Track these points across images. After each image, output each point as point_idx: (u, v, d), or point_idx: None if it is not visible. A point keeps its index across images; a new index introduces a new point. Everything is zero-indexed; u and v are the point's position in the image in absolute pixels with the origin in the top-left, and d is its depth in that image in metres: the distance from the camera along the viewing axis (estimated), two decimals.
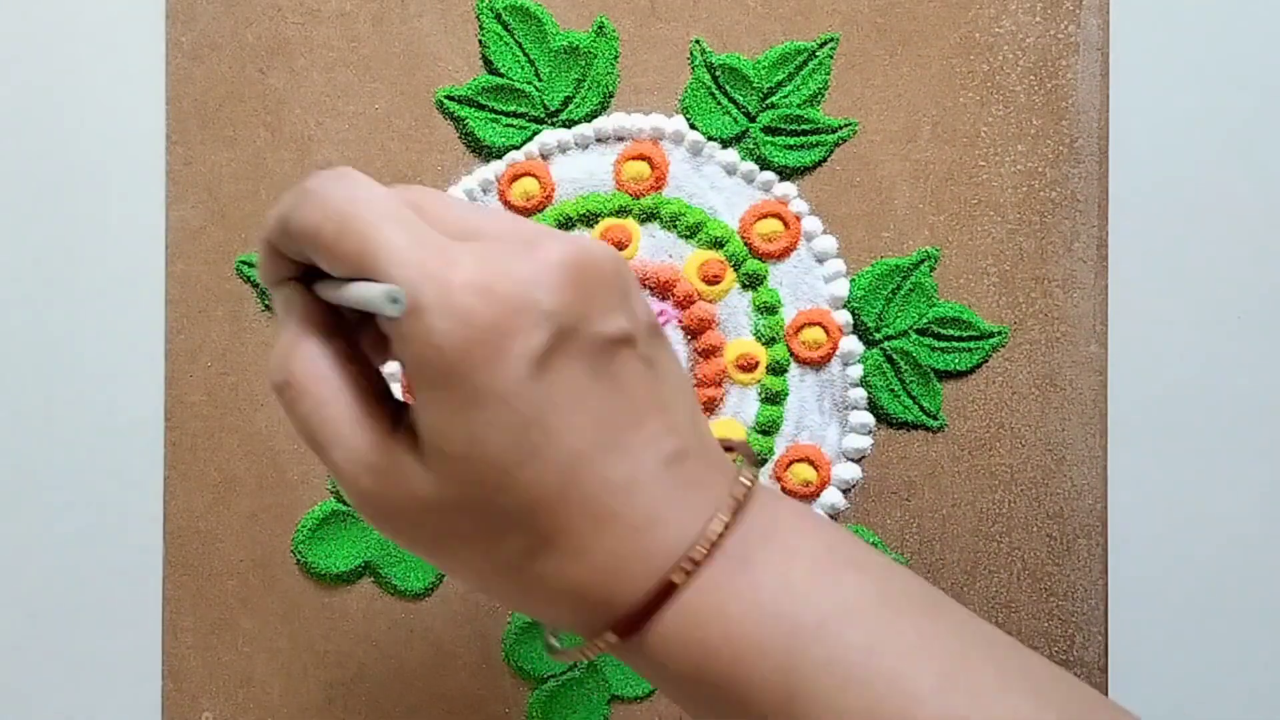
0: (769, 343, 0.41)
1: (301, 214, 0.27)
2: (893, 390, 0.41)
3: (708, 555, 0.26)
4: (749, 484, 0.27)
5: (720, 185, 0.42)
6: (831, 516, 0.41)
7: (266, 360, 0.41)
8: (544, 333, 0.25)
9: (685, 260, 0.41)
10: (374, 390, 0.28)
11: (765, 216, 0.41)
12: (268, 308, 0.42)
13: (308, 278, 0.28)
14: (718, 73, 0.41)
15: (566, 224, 0.41)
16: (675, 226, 0.41)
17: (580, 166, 0.42)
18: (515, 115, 0.42)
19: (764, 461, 0.41)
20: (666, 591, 0.26)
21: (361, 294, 0.26)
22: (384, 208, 0.26)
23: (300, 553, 0.41)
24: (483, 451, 0.25)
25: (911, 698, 0.25)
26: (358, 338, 0.29)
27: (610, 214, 0.41)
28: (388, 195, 0.27)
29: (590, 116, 0.42)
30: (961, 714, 0.25)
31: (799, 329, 0.41)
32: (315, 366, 0.27)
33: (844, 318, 0.41)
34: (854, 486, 0.41)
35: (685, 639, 0.26)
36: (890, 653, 0.25)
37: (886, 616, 0.26)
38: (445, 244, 0.26)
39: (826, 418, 0.41)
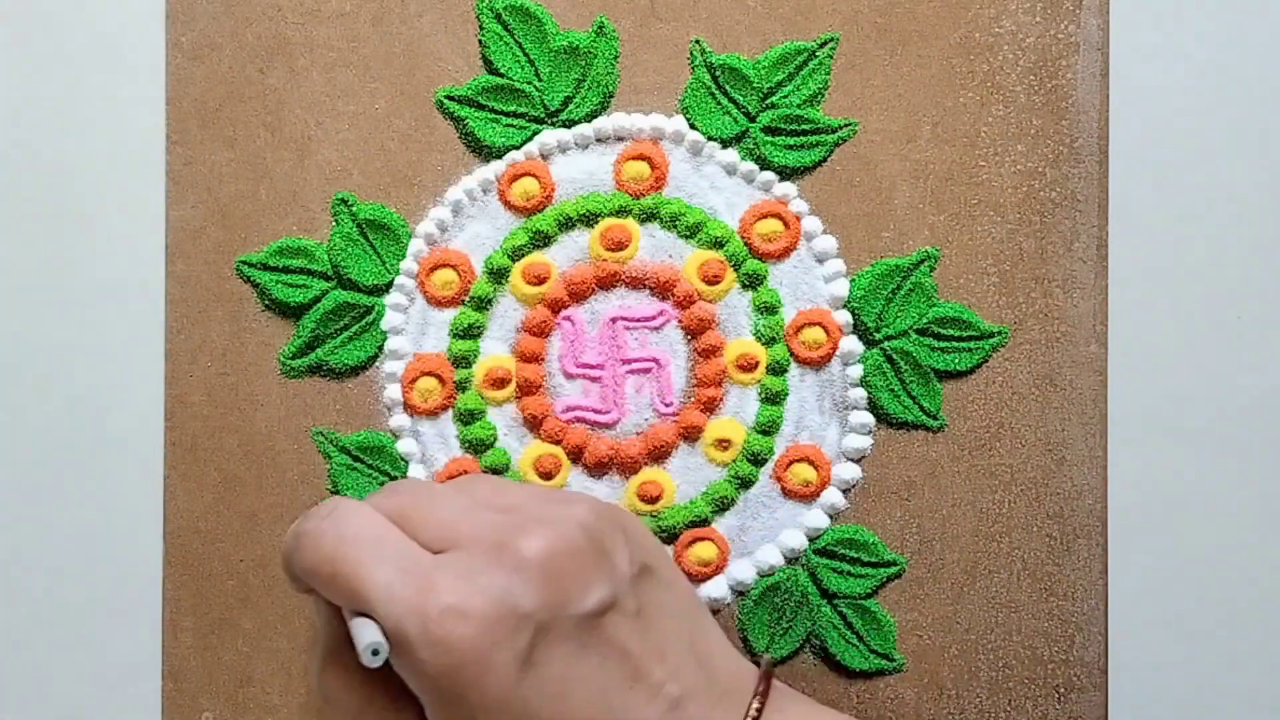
0: (769, 343, 0.41)
1: (300, 559, 0.30)
2: (893, 390, 0.41)
3: None
4: (756, 712, 0.29)
5: (720, 185, 0.42)
6: (831, 517, 0.41)
7: (266, 360, 0.41)
8: (525, 634, 0.27)
9: (685, 260, 0.41)
10: (396, 698, 0.30)
11: (765, 216, 0.41)
12: (268, 308, 0.42)
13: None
14: (718, 73, 0.41)
15: (566, 224, 0.41)
16: (675, 226, 0.41)
17: (580, 166, 0.42)
18: (515, 115, 0.42)
19: (764, 461, 0.41)
20: None
21: (355, 636, 0.28)
22: (368, 545, 0.28)
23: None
24: None
25: None
26: None
27: (610, 214, 0.42)
28: (372, 524, 0.29)
29: (590, 116, 0.42)
30: None
31: (799, 329, 0.41)
32: (347, 682, 0.30)
33: (844, 318, 0.41)
34: (854, 486, 0.41)
35: None
36: None
37: None
38: (425, 568, 0.28)
39: (826, 418, 0.41)
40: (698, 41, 0.41)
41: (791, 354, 0.41)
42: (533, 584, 0.27)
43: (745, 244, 0.41)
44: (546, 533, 0.28)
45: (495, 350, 0.42)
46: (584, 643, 0.28)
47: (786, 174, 0.42)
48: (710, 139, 0.41)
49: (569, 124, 0.42)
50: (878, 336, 0.41)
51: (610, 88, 0.41)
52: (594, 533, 0.29)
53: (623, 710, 0.28)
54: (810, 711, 0.30)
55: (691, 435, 0.41)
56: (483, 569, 0.28)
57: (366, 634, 0.28)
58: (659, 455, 0.41)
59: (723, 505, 0.41)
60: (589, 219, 0.42)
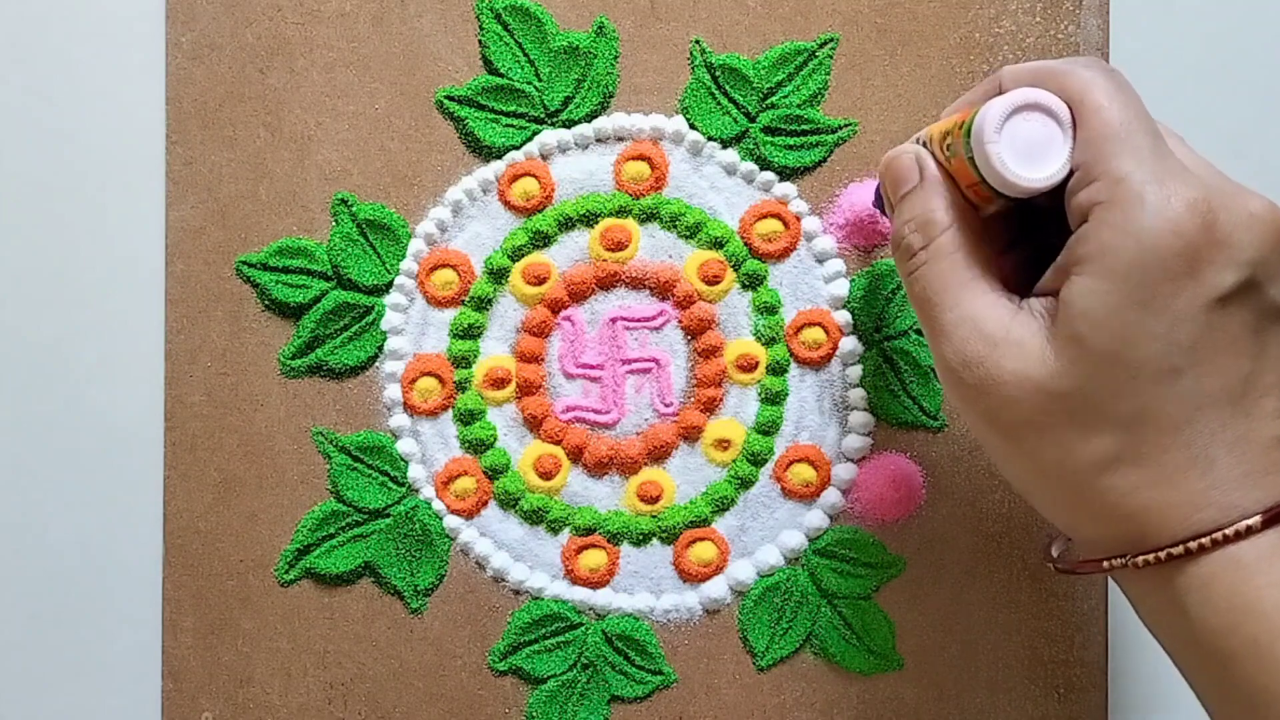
0: (769, 343, 0.41)
1: (1064, 78, 0.29)
2: (893, 390, 0.41)
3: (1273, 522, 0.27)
4: None
5: (720, 185, 0.42)
6: (831, 517, 0.41)
7: (266, 360, 0.41)
8: (1236, 275, 0.27)
9: (685, 260, 0.41)
10: (997, 269, 0.30)
11: (765, 216, 0.41)
12: (268, 308, 0.42)
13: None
14: (718, 73, 0.41)
15: (566, 224, 0.41)
16: (675, 226, 0.41)
17: (580, 166, 0.42)
18: (515, 115, 0.42)
19: (764, 461, 0.41)
20: (1233, 537, 0.27)
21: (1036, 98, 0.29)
22: (1140, 111, 0.28)
23: (290, 567, 0.41)
24: (1129, 354, 0.27)
25: None
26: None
27: (610, 214, 0.42)
28: (1143, 106, 0.29)
29: (590, 116, 0.42)
30: None
31: (799, 329, 0.41)
32: (960, 237, 0.30)
33: (844, 318, 0.41)
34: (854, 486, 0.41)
35: (1228, 589, 0.27)
36: None
37: None
38: (1181, 165, 0.27)
39: (826, 418, 0.41)
40: (698, 41, 0.41)
41: (791, 354, 0.41)
42: (1264, 240, 0.27)
43: (745, 244, 0.41)
44: None
45: (495, 350, 0.42)
46: (1259, 330, 0.27)
47: (786, 174, 0.41)
48: (710, 139, 0.41)
49: (569, 124, 0.42)
50: (877, 337, 0.41)
51: (610, 88, 0.41)
52: None
53: (1248, 406, 0.27)
54: None
55: (691, 435, 0.41)
56: (1232, 196, 0.27)
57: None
58: (659, 455, 0.41)
59: (723, 505, 0.41)
60: (589, 219, 0.42)
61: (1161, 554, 0.27)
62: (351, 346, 0.41)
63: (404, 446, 0.41)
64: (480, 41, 0.41)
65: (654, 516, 0.41)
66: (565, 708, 0.41)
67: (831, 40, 0.41)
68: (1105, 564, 0.29)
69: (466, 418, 0.41)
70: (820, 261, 0.41)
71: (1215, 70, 0.42)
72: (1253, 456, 0.27)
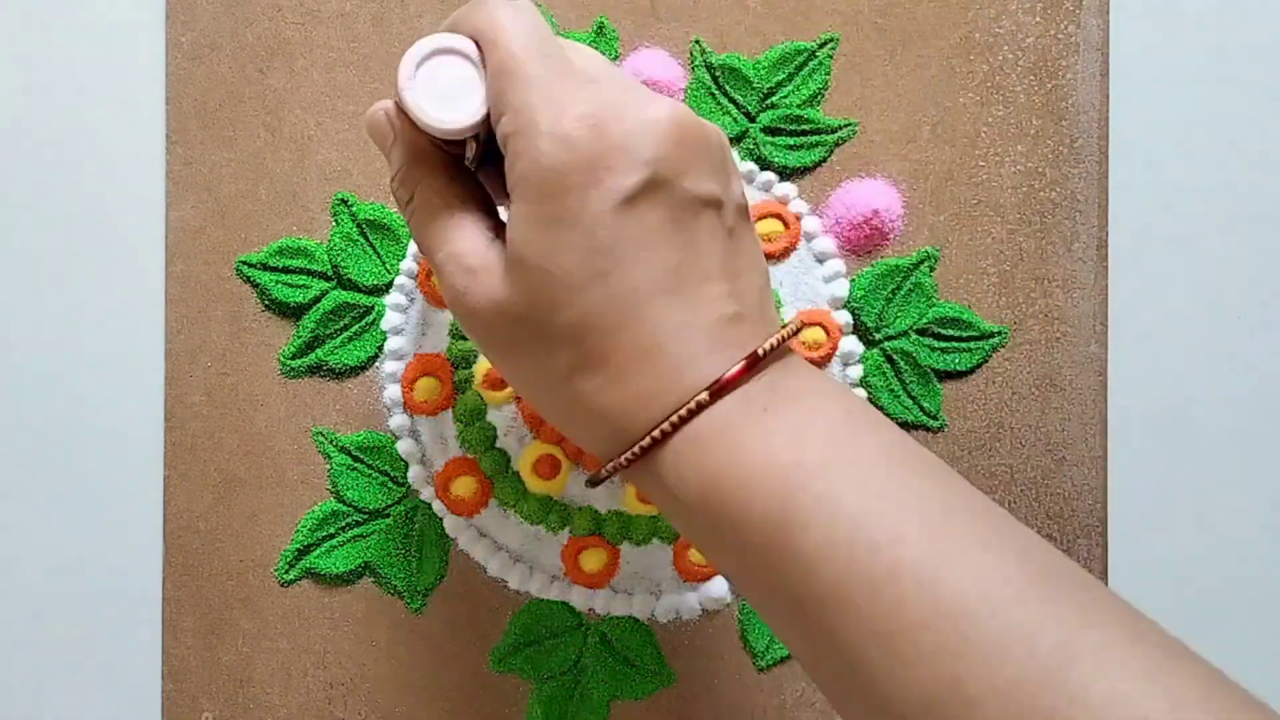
0: None
1: (469, 19, 0.30)
2: (893, 390, 0.41)
3: (729, 389, 0.28)
4: (782, 339, 0.29)
5: None
6: None
7: (266, 360, 0.41)
8: (638, 176, 0.28)
9: None
10: (479, 206, 0.31)
11: (765, 216, 0.41)
12: (268, 308, 0.42)
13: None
14: (718, 73, 0.41)
15: None
16: None
17: None
18: None
19: None
20: (687, 417, 0.28)
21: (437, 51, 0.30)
22: (537, 36, 0.29)
23: (289, 568, 0.41)
24: (554, 266, 0.28)
25: (896, 538, 0.26)
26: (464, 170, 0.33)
27: None
28: (545, 26, 0.30)
29: None
30: (940, 559, 0.25)
31: (799, 329, 0.41)
32: (433, 181, 0.31)
33: (844, 318, 0.41)
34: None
35: (695, 464, 0.28)
36: (883, 496, 0.27)
37: (887, 469, 0.27)
38: (577, 81, 0.29)
39: None
40: (698, 41, 0.41)
41: None
42: (665, 139, 0.28)
43: None
44: (688, 112, 0.29)
45: None
46: (680, 220, 0.29)
47: (786, 174, 0.41)
48: None
49: None
50: (878, 337, 0.41)
51: None
52: (725, 146, 0.30)
53: (685, 295, 0.28)
54: (834, 383, 0.31)
55: None
56: (627, 104, 0.28)
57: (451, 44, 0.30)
58: None
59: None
60: None
61: (635, 449, 0.29)
62: (351, 346, 0.41)
63: (404, 446, 0.41)
64: None
65: (654, 516, 0.41)
66: (565, 708, 0.41)
67: (831, 40, 0.41)
68: (603, 470, 0.30)
69: (467, 418, 0.41)
70: (820, 261, 0.41)
71: (1215, 70, 0.42)
72: (699, 339, 0.28)
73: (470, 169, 0.32)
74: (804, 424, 0.28)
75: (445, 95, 0.30)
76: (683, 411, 0.28)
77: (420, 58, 0.30)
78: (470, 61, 0.30)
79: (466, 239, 0.30)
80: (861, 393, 0.41)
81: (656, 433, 0.28)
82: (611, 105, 0.28)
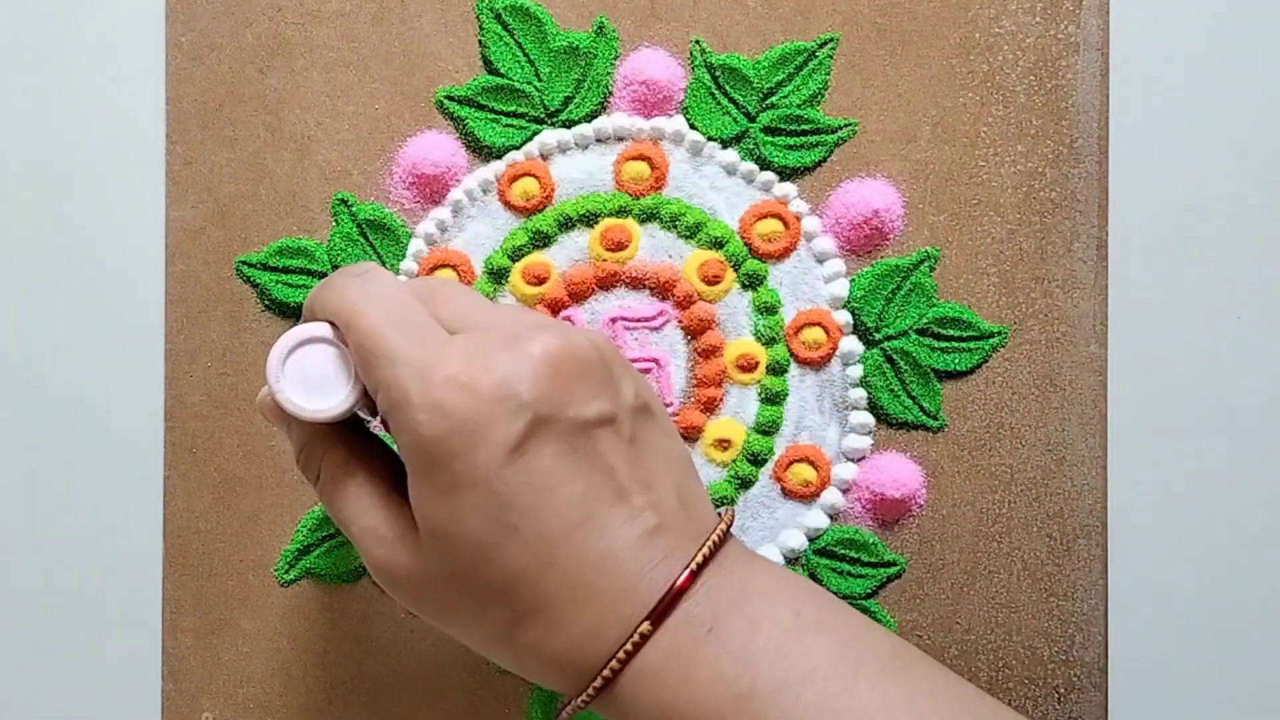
0: (769, 343, 0.41)
1: (322, 303, 0.31)
2: (893, 390, 0.41)
3: (669, 609, 0.28)
4: (715, 544, 0.29)
5: (720, 185, 0.42)
6: (831, 517, 0.41)
7: (266, 360, 0.41)
8: (520, 422, 0.27)
9: (685, 260, 0.41)
10: (386, 469, 0.31)
11: (765, 216, 0.41)
12: (268, 308, 0.42)
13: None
14: (718, 73, 0.41)
15: (567, 224, 0.41)
16: (675, 227, 0.41)
17: (580, 166, 0.42)
18: (515, 115, 0.42)
19: (764, 461, 0.41)
20: (633, 651, 0.28)
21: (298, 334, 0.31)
22: (390, 306, 0.29)
23: (289, 569, 0.41)
24: (462, 531, 0.28)
25: None
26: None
27: (610, 214, 0.41)
28: (398, 291, 0.30)
29: (590, 116, 0.42)
30: None
31: (799, 329, 0.41)
32: (334, 455, 0.31)
33: (844, 318, 0.41)
34: (854, 486, 0.41)
35: (653, 700, 0.28)
36: (843, 712, 0.26)
37: (844, 677, 0.27)
38: (438, 341, 0.28)
39: (826, 418, 0.41)
40: (698, 41, 0.41)
41: (791, 354, 0.41)
42: (538, 376, 0.28)
43: (745, 244, 0.41)
44: (561, 336, 0.29)
45: None
46: (576, 448, 0.28)
47: (786, 174, 0.42)
48: (710, 139, 0.41)
49: (569, 124, 0.42)
50: (878, 336, 0.41)
51: (610, 88, 0.41)
52: (606, 354, 0.30)
53: (600, 522, 0.28)
54: (770, 568, 0.30)
55: (691, 435, 0.41)
56: (493, 352, 0.28)
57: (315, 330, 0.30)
58: None
59: (722, 505, 0.41)
60: (589, 219, 0.42)
61: (590, 691, 0.28)
62: None
63: None
64: (480, 41, 0.41)
65: None
66: None
67: (831, 40, 0.41)
68: (565, 712, 0.29)
69: None
70: (820, 261, 0.41)
71: (1215, 70, 0.42)
72: (626, 565, 0.28)
73: (378, 423, 0.33)
74: (750, 640, 0.27)
75: (314, 385, 0.31)
76: (628, 646, 0.28)
77: (285, 352, 0.31)
78: (333, 345, 0.31)
79: (377, 510, 0.30)
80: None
81: (607, 672, 0.28)
82: (479, 357, 0.28)
